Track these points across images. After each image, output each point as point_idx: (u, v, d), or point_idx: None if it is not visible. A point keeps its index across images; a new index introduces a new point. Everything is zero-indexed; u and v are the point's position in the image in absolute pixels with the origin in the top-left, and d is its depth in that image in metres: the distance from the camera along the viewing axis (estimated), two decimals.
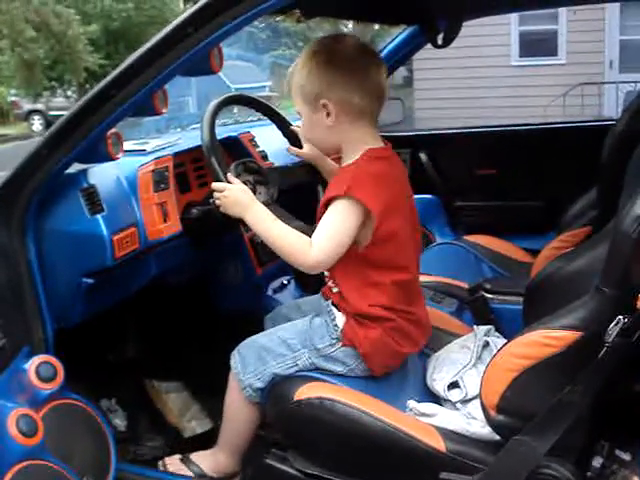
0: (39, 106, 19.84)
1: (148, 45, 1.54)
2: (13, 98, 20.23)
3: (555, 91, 11.12)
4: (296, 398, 1.65)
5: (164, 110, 1.76)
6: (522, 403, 1.48)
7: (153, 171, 1.99)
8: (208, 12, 1.47)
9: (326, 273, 1.76)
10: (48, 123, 17.11)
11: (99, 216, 1.76)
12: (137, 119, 2.17)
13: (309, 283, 2.32)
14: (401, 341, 1.71)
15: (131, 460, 2.03)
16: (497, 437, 1.53)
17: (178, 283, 2.35)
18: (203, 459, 1.90)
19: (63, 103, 18.73)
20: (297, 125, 1.98)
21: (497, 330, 1.94)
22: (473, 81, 11.73)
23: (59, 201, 1.76)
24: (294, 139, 2.04)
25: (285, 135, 2.11)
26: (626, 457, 1.47)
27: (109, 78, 1.59)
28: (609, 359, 1.36)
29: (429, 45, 2.73)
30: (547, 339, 1.42)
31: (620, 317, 1.34)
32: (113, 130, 1.71)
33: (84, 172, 1.80)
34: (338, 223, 1.62)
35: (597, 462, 1.46)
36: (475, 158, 3.11)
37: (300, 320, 1.82)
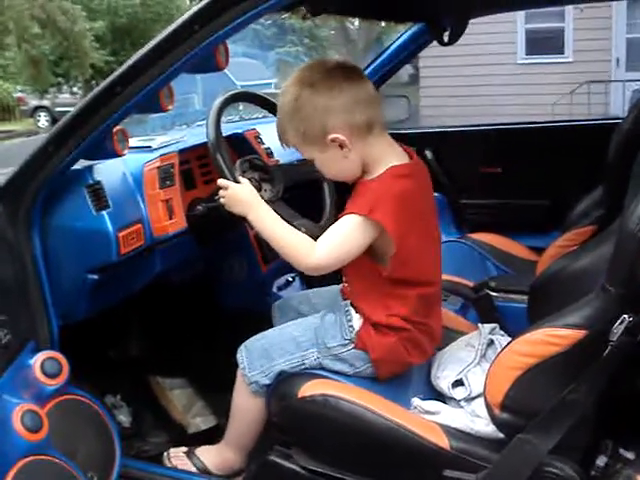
0: (45, 102, 19.87)
1: (154, 42, 1.55)
2: (19, 94, 20.25)
3: (561, 89, 11.08)
4: (300, 395, 1.65)
5: (170, 107, 1.77)
6: (526, 401, 1.47)
7: (159, 168, 2.00)
8: (214, 9, 1.47)
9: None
10: (54, 119, 17.11)
11: (104, 212, 1.77)
12: (143, 116, 2.18)
13: (314, 280, 2.32)
14: (412, 351, 1.71)
15: (135, 456, 2.03)
16: (501, 435, 1.53)
17: (183, 280, 2.36)
18: (208, 455, 1.90)
19: (69, 99, 18.74)
20: None
21: (502, 328, 1.94)
22: (479, 79, 11.71)
23: (65, 197, 1.77)
24: None
25: None
26: (630, 456, 1.47)
27: (115, 75, 1.59)
28: (614, 358, 1.36)
29: (435, 43, 2.72)
30: (552, 337, 1.42)
31: (625, 316, 1.34)
32: (119, 127, 1.71)
33: (90, 168, 1.81)
34: (349, 235, 1.60)
35: (601, 461, 1.46)
36: (480, 156, 3.10)
37: (311, 317, 1.82)
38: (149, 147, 2.10)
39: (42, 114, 19.66)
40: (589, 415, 1.42)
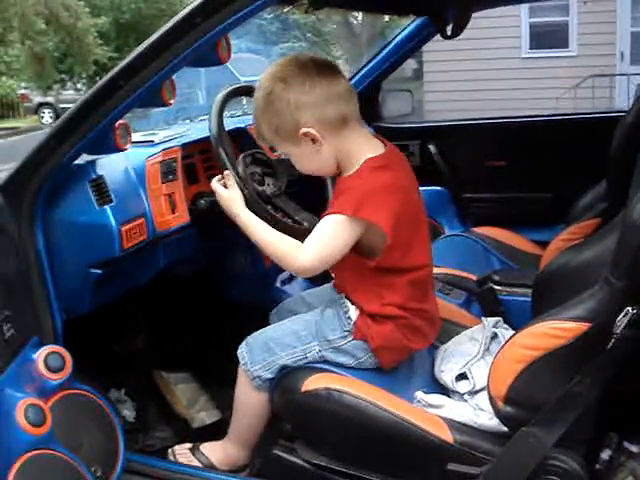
0: (49, 99, 19.87)
1: (156, 35, 1.54)
2: (23, 91, 20.26)
3: (566, 83, 11.03)
4: (304, 389, 1.65)
5: (172, 101, 1.76)
6: (530, 394, 1.47)
7: (161, 162, 1.99)
8: (216, 2, 1.47)
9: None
10: (58, 116, 17.10)
11: (107, 207, 1.76)
12: (145, 110, 2.17)
13: (316, 276, 2.32)
14: (412, 337, 1.72)
15: (140, 450, 2.04)
16: (505, 428, 1.53)
17: (186, 274, 2.36)
18: (212, 451, 1.90)
19: (73, 96, 18.73)
20: None
21: (505, 322, 1.94)
22: (483, 73, 11.66)
23: (67, 192, 1.76)
24: None
25: None
26: (635, 449, 1.47)
27: (117, 69, 1.58)
28: (617, 350, 1.36)
29: (439, 37, 2.72)
30: (555, 330, 1.42)
31: (629, 308, 1.33)
32: (121, 121, 1.71)
33: (92, 163, 1.80)
34: (333, 237, 1.61)
35: (605, 454, 1.46)
36: (484, 150, 3.10)
37: (311, 312, 1.82)
38: (152, 141, 2.10)
39: (46, 111, 19.64)
40: (593, 408, 1.41)
